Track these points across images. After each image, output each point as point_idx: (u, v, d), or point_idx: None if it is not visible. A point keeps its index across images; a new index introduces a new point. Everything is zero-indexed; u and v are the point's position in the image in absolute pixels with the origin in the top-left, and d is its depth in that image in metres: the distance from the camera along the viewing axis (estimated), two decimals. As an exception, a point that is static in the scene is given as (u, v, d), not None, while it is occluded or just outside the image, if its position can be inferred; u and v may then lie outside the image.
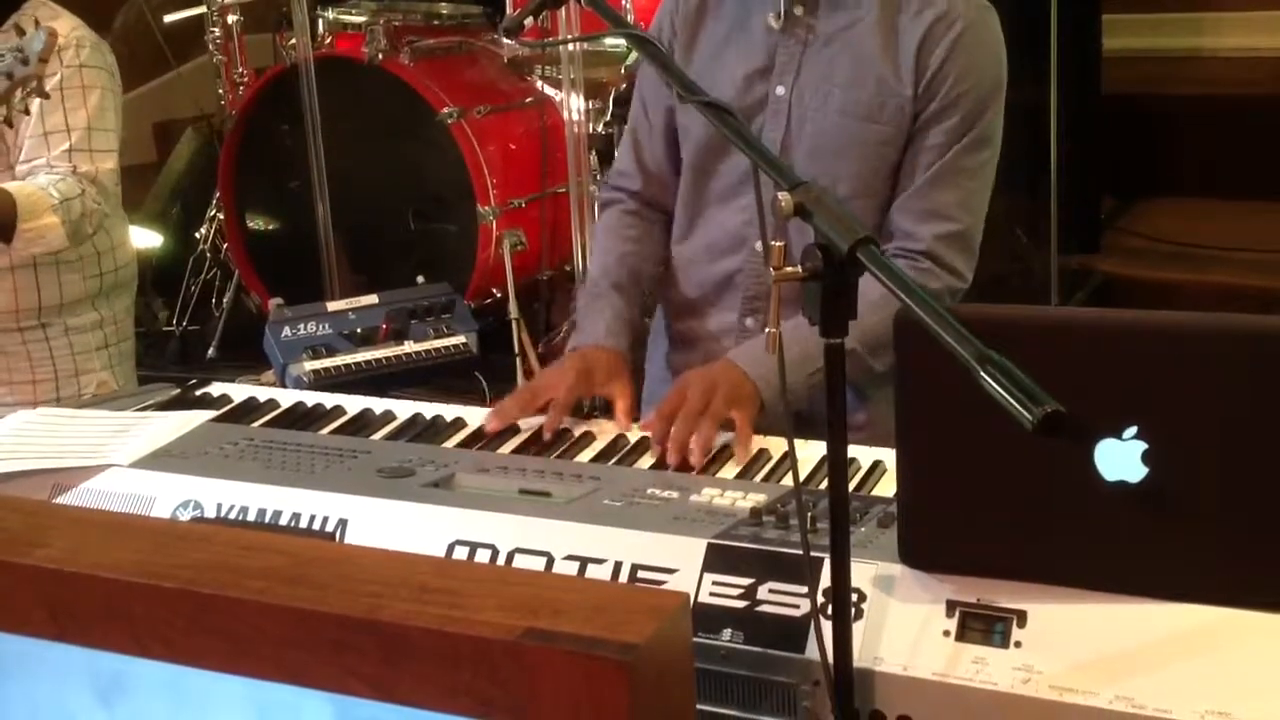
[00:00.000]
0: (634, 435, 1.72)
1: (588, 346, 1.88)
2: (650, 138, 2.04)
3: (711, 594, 1.31)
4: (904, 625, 1.25)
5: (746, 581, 1.31)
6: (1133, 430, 1.16)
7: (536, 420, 1.75)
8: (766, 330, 1.21)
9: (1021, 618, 1.22)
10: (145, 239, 4.21)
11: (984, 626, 1.23)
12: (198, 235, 4.20)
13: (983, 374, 1.01)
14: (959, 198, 1.87)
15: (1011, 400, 0.99)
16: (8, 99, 2.23)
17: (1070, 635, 1.20)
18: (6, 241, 2.37)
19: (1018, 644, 1.21)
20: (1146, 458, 1.16)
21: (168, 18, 4.47)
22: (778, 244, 1.16)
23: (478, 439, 1.72)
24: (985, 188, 1.91)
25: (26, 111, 2.31)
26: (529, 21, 1.70)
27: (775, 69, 1.90)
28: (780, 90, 1.90)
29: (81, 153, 2.46)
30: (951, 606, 1.24)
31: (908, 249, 1.87)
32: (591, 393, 1.81)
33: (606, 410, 1.82)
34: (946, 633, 1.23)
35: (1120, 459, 1.17)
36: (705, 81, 1.71)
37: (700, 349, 2.00)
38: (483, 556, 1.40)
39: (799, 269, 1.14)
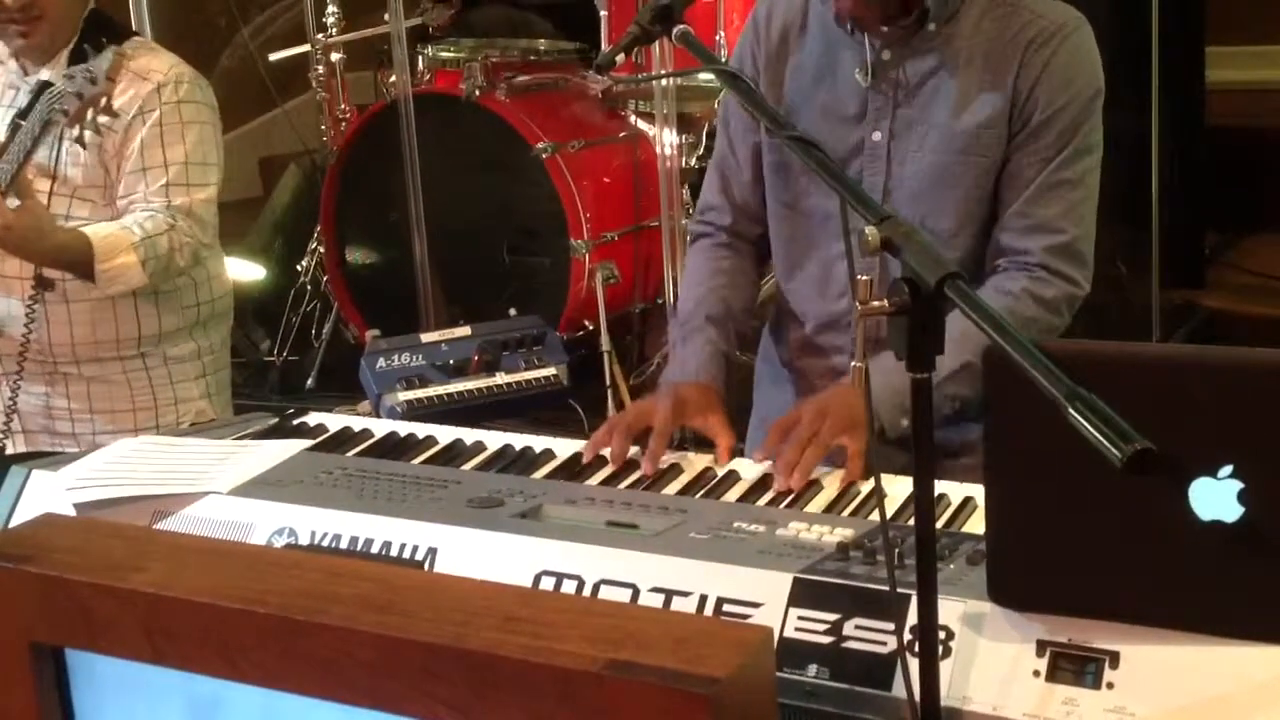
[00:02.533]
0: (721, 468, 1.72)
1: (682, 382, 1.88)
2: (737, 172, 2.05)
3: (797, 629, 1.31)
4: (993, 664, 1.23)
5: (833, 617, 1.30)
6: (1228, 469, 1.14)
7: (632, 451, 1.76)
8: (854, 364, 1.20)
9: (1114, 659, 1.20)
10: (248, 271, 4.31)
11: (1075, 667, 1.21)
12: (299, 268, 4.29)
13: (1072, 411, 1.00)
14: (1063, 209, 1.85)
15: (1101, 438, 0.98)
16: (80, 118, 2.30)
17: (1164, 677, 1.17)
18: (91, 281, 2.43)
19: (1110, 685, 1.19)
20: (1242, 497, 1.14)
21: (273, 56, 4.59)
22: (864, 278, 1.15)
23: (567, 470, 1.74)
24: (1090, 196, 1.88)
25: (97, 130, 2.38)
26: (621, 58, 1.72)
27: (869, 116, 1.90)
28: (877, 136, 1.90)
29: (178, 187, 2.52)
30: (1042, 646, 1.22)
31: (1021, 262, 1.85)
32: (686, 424, 1.81)
33: (699, 443, 1.82)
34: (1036, 673, 1.21)
35: (1215, 498, 1.15)
36: (797, 123, 1.71)
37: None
38: (569, 587, 1.41)
39: (885, 303, 1.14)
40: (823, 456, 1.65)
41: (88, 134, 2.36)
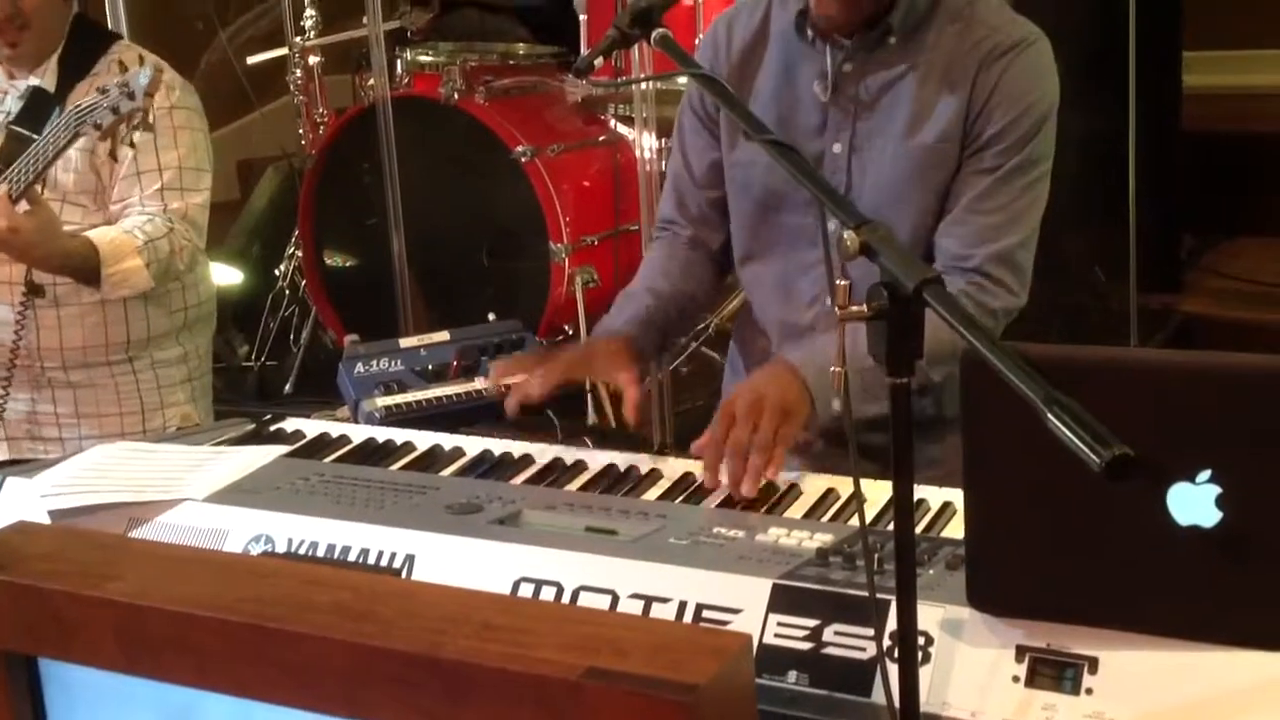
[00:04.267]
0: (701, 473, 1.72)
1: (599, 336, 1.92)
2: (692, 188, 2.06)
3: (777, 635, 1.30)
4: (972, 670, 1.23)
5: (812, 623, 1.30)
6: (1206, 474, 1.14)
7: (604, 457, 1.76)
8: (831, 369, 1.20)
9: (1093, 664, 1.20)
10: (226, 276, 4.29)
11: (1054, 672, 1.21)
12: (277, 272, 4.27)
13: (1050, 415, 1.00)
14: (1006, 218, 1.86)
15: (1079, 443, 0.98)
16: (113, 132, 2.29)
17: (1143, 682, 1.17)
18: (95, 286, 2.43)
19: (1089, 691, 1.19)
20: (1220, 501, 1.14)
21: (250, 59, 4.57)
22: (843, 283, 1.15)
23: (545, 475, 1.73)
24: (1034, 207, 1.89)
25: (132, 145, 2.37)
26: (600, 61, 1.71)
27: (829, 128, 1.91)
28: (836, 148, 1.91)
29: (173, 191, 2.52)
30: (1021, 651, 1.23)
31: (960, 268, 1.85)
32: (594, 376, 1.84)
33: (678, 445, 1.83)
34: (1016, 678, 1.21)
35: (1194, 503, 1.15)
36: None
37: None
38: (548, 594, 1.40)
39: (864, 308, 1.14)
40: (768, 460, 1.64)
41: (121, 149, 2.34)
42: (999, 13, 1.90)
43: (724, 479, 1.64)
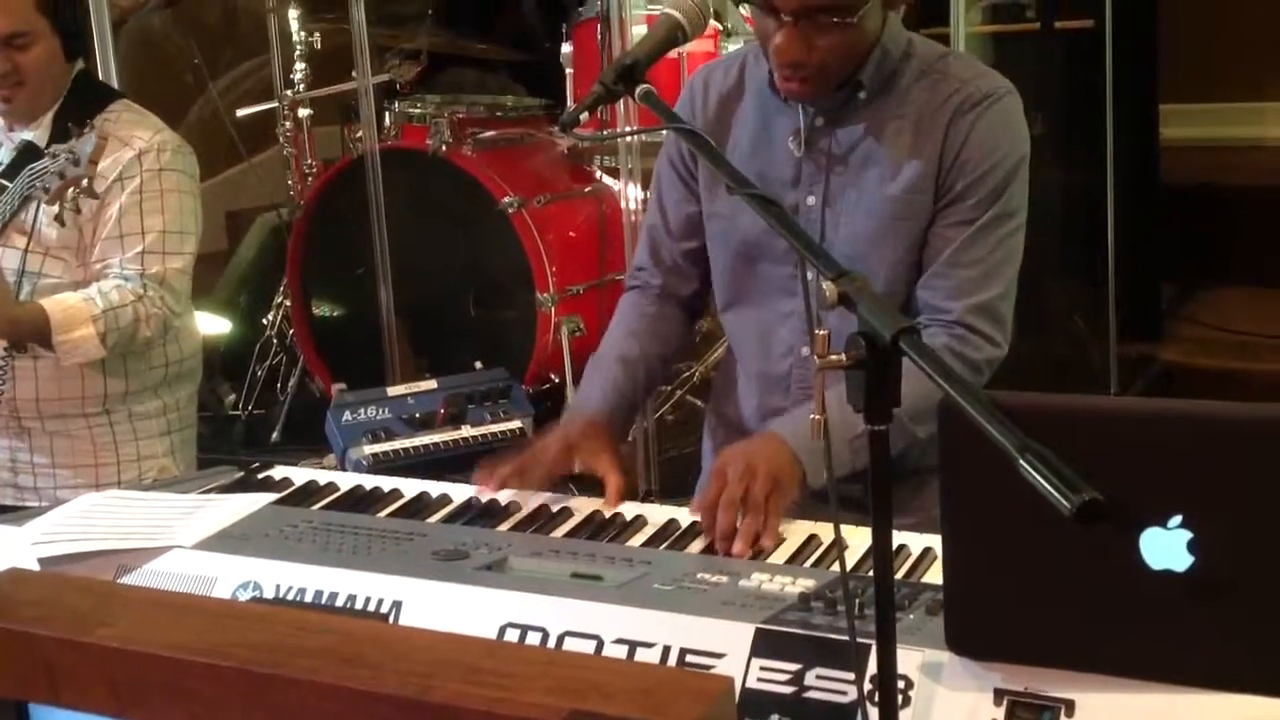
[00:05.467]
0: (685, 519, 1.74)
1: (575, 419, 1.94)
2: (667, 239, 2.09)
3: (759, 679, 1.32)
4: (951, 713, 1.25)
5: (794, 667, 1.32)
6: (1178, 519, 1.16)
7: (589, 504, 1.78)
8: (811, 416, 1.22)
9: (1070, 707, 1.22)
10: (214, 325, 4.30)
11: (1032, 715, 1.23)
12: (265, 321, 4.29)
13: (1022, 462, 1.02)
14: (985, 270, 1.89)
15: (1051, 488, 1.00)
16: (59, 196, 2.32)
17: (1119, 725, 1.19)
18: (51, 350, 2.43)
19: (1066, 733, 1.20)
20: (1192, 546, 1.16)
21: (240, 112, 4.61)
22: (822, 332, 1.18)
23: (531, 522, 1.75)
24: (1011, 259, 1.92)
25: (78, 210, 2.39)
26: (585, 116, 1.74)
27: (803, 181, 1.93)
28: (811, 201, 1.93)
29: (154, 255, 2.52)
30: (999, 695, 1.24)
31: (942, 321, 1.88)
32: (574, 468, 1.86)
33: (663, 493, 1.84)
34: (994, 721, 1.23)
35: (1166, 548, 1.17)
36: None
37: None
38: (534, 639, 1.42)
39: (843, 357, 1.16)
40: (760, 518, 1.66)
41: (67, 213, 2.36)
42: (970, 67, 1.94)
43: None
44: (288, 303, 4.17)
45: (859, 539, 1.58)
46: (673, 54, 3.39)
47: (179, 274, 2.55)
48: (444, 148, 3.82)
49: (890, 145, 1.89)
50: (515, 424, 2.51)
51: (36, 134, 2.57)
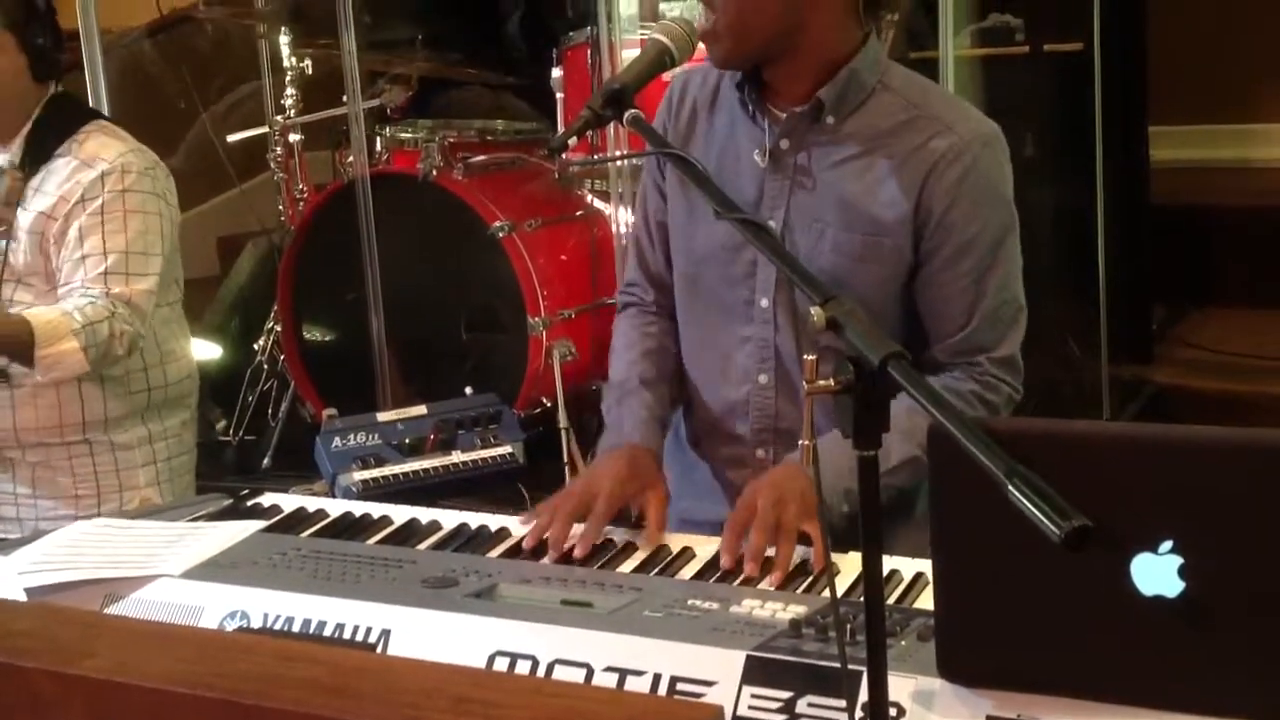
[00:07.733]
0: (676, 545, 1.73)
1: (619, 452, 1.87)
2: (650, 250, 2.07)
3: (751, 707, 1.31)
4: (943, 740, 1.24)
5: (786, 695, 1.31)
6: (1168, 544, 1.16)
7: (579, 530, 1.76)
8: (801, 442, 1.22)
9: (1062, 733, 1.21)
10: (205, 350, 4.30)
11: (1024, 742, 1.22)
12: (256, 347, 4.29)
13: (1011, 487, 1.02)
14: (1002, 328, 1.89)
15: (1039, 514, 1.00)
16: None
17: (1112, 752, 1.18)
18: (30, 366, 2.39)
19: (1059, 760, 1.20)
20: (1183, 572, 1.16)
21: (231, 137, 4.62)
22: (810, 358, 1.18)
23: (521, 549, 1.74)
24: (1021, 307, 1.92)
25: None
26: (573, 140, 1.74)
27: (765, 200, 1.90)
28: (772, 223, 1.88)
29: (117, 276, 2.47)
30: (991, 721, 1.24)
31: (970, 372, 1.88)
32: (628, 501, 1.80)
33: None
34: (986, 748, 1.22)
35: (1156, 573, 1.17)
36: (702, 206, 1.71)
37: (720, 474, 2.00)
38: (523, 667, 1.41)
39: (831, 383, 1.16)
40: (794, 549, 1.64)
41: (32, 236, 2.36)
42: (952, 108, 1.88)
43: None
44: (279, 328, 4.17)
45: (850, 565, 1.58)
46: (662, 77, 3.41)
47: (144, 295, 2.51)
48: (434, 172, 3.82)
49: (859, 180, 1.85)
50: (505, 449, 2.50)
51: (10, 155, 2.56)
